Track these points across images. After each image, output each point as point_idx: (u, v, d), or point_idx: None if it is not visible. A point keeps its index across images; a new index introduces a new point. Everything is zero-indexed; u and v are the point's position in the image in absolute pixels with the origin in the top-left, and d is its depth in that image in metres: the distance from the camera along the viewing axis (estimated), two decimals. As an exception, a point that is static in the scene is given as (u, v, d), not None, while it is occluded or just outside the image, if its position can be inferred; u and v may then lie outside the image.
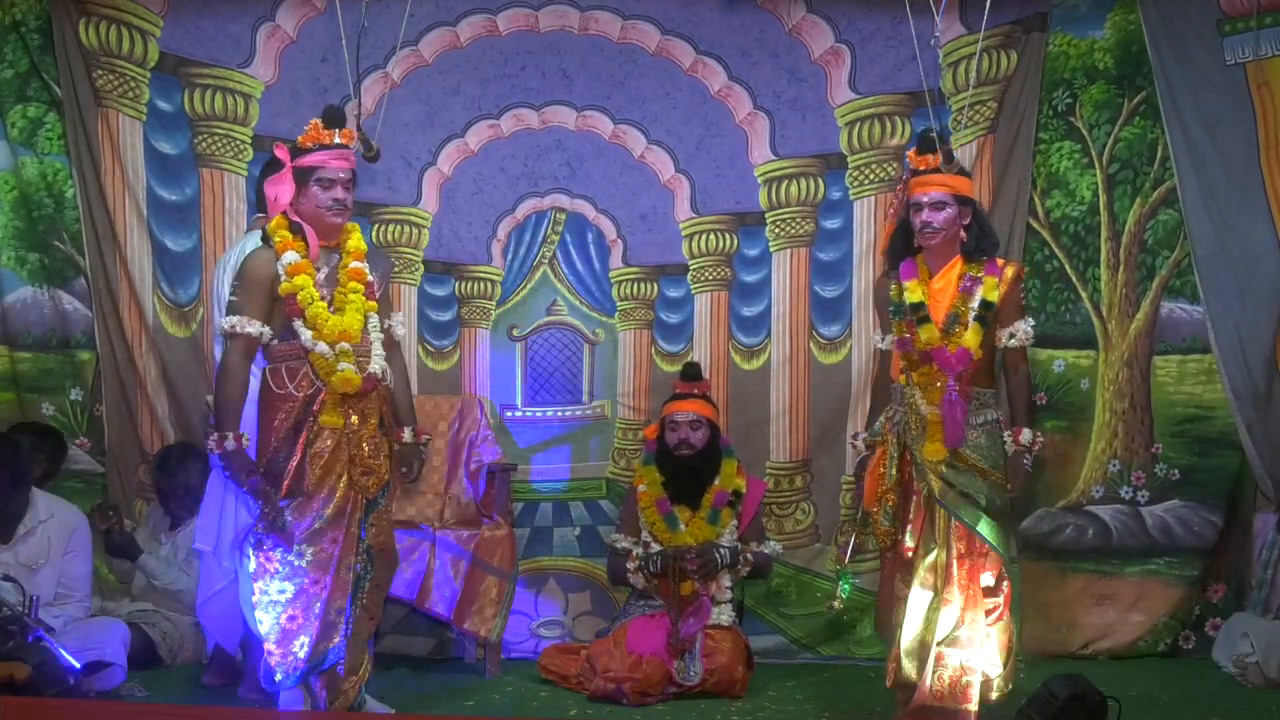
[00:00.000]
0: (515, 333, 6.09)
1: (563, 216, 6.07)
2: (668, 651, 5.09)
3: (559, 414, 6.05)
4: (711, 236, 6.08)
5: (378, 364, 4.44)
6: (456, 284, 6.04)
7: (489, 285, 6.05)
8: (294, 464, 4.31)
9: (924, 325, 4.43)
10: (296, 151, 4.37)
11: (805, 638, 5.89)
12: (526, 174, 6.02)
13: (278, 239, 4.35)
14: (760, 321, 6.08)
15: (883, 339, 4.67)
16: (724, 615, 5.28)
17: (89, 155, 5.72)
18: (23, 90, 5.76)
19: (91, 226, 5.75)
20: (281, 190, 4.37)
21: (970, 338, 4.39)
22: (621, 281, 6.09)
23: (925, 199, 4.43)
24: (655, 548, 5.31)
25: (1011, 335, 4.47)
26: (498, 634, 5.49)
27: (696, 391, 5.47)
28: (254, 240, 4.97)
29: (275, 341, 4.36)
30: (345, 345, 4.35)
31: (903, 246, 4.57)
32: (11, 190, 5.81)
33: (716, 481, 5.39)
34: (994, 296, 4.42)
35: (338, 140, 4.36)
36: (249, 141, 5.85)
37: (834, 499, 6.03)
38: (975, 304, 4.42)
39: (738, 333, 6.09)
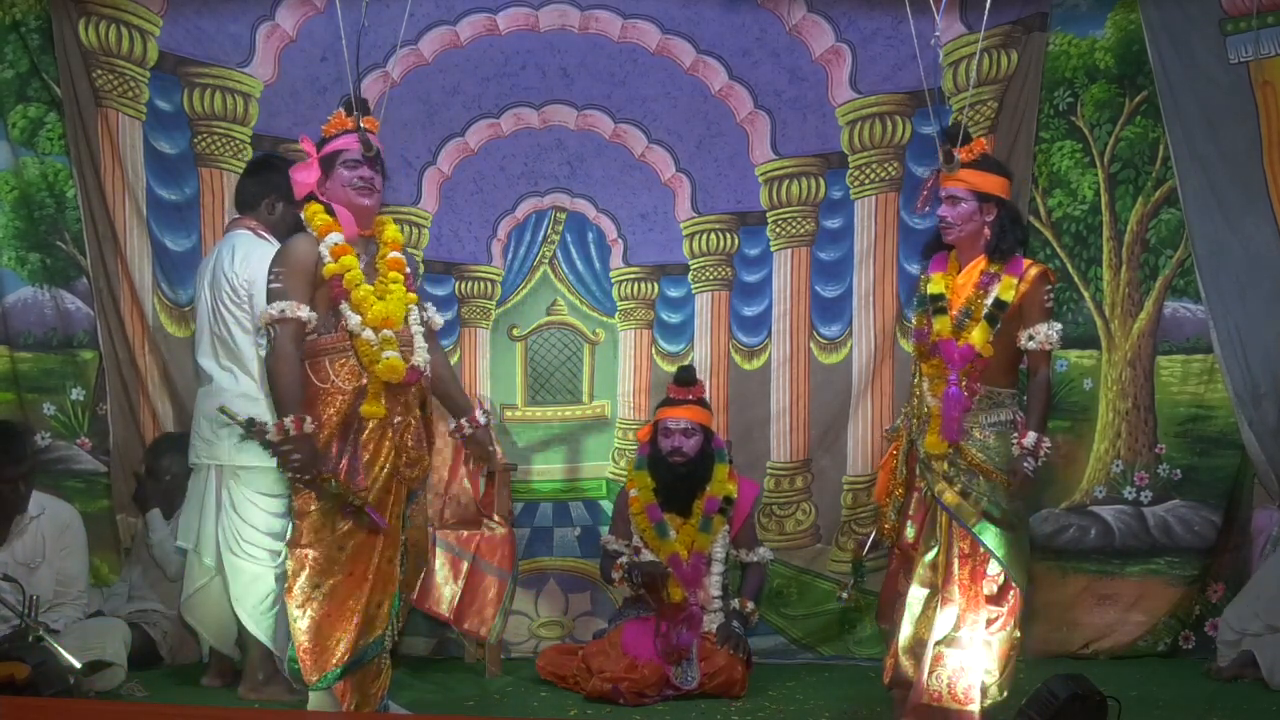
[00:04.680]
0: (515, 333, 6.08)
1: (563, 216, 6.06)
2: (662, 659, 5.09)
3: (559, 414, 6.04)
4: (712, 236, 6.07)
5: (420, 356, 4.36)
6: (456, 284, 6.03)
7: (489, 285, 6.04)
8: (347, 459, 4.21)
9: (939, 317, 4.41)
10: (322, 142, 4.34)
11: (805, 638, 5.89)
12: (526, 173, 6.01)
13: (318, 222, 4.26)
14: (761, 321, 6.07)
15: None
16: (715, 622, 5.27)
17: (89, 155, 5.71)
18: (23, 90, 5.76)
19: (92, 226, 5.75)
20: (307, 174, 4.30)
21: (977, 335, 4.35)
22: (622, 281, 6.09)
23: (943, 193, 4.43)
24: (646, 555, 5.29)
25: (1031, 337, 4.40)
26: (498, 634, 5.49)
27: (691, 397, 5.41)
28: (245, 240, 4.96)
29: (317, 335, 4.25)
30: (388, 332, 4.26)
31: (937, 239, 4.55)
32: (12, 190, 5.82)
33: (708, 488, 5.35)
34: (1009, 296, 4.36)
35: (362, 126, 4.32)
36: (248, 141, 5.84)
37: (835, 499, 6.02)
38: (989, 301, 4.38)
39: (738, 332, 6.08)
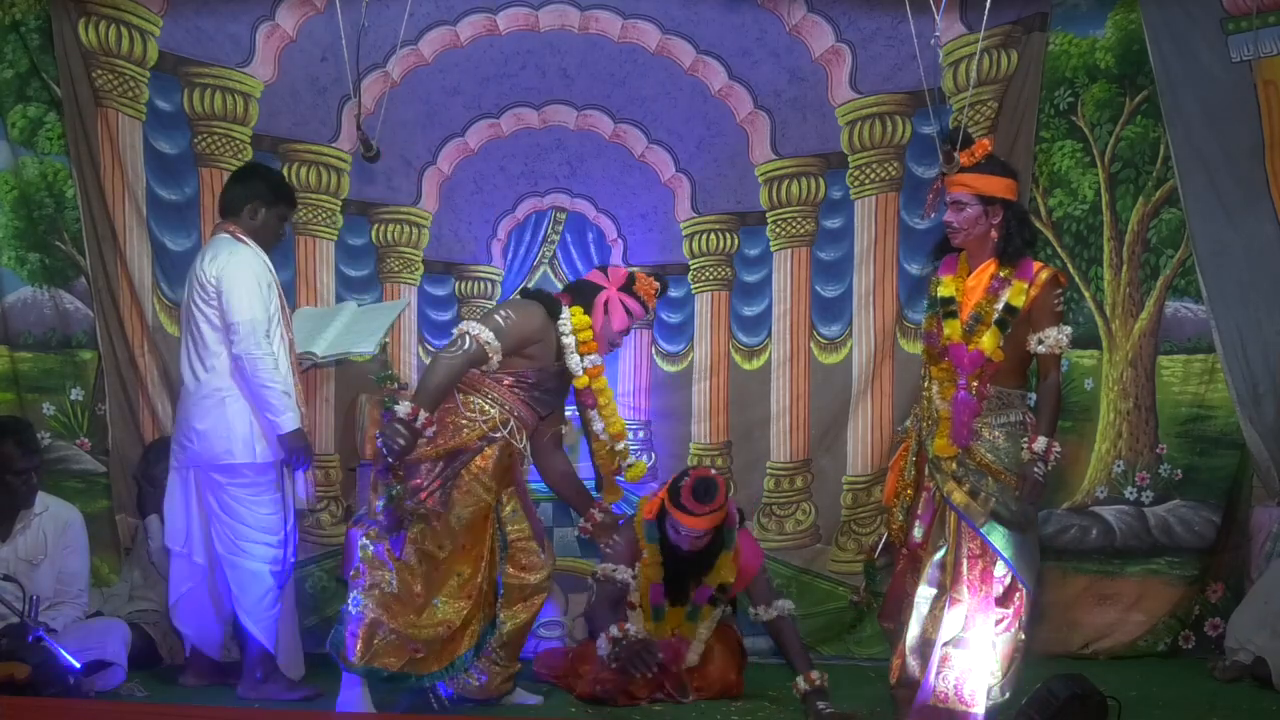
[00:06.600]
0: (515, 333, 6.08)
1: (563, 216, 6.06)
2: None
3: (559, 414, 6.02)
4: (712, 236, 6.07)
5: None
6: (456, 284, 6.03)
7: (489, 285, 6.03)
8: (439, 484, 4.56)
9: (949, 320, 4.40)
10: (630, 283, 4.83)
11: (805, 638, 5.81)
12: (526, 173, 6.01)
13: (582, 336, 4.72)
14: (761, 321, 6.07)
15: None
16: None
17: (88, 155, 5.71)
18: (23, 90, 5.76)
19: (91, 226, 5.75)
20: (621, 316, 4.82)
21: (988, 340, 4.33)
22: (622, 281, 6.08)
23: (948, 198, 4.42)
24: (634, 625, 5.04)
25: (1041, 341, 4.35)
26: (498, 634, 5.49)
27: (709, 510, 4.94)
28: (219, 242, 4.89)
29: (489, 374, 4.61)
30: (622, 445, 4.85)
31: (946, 240, 4.53)
32: (12, 190, 5.82)
33: (706, 577, 5.08)
34: (1019, 301, 4.33)
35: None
36: (248, 141, 5.84)
37: (835, 499, 6.02)
38: (1000, 306, 4.35)
39: (738, 332, 6.08)
